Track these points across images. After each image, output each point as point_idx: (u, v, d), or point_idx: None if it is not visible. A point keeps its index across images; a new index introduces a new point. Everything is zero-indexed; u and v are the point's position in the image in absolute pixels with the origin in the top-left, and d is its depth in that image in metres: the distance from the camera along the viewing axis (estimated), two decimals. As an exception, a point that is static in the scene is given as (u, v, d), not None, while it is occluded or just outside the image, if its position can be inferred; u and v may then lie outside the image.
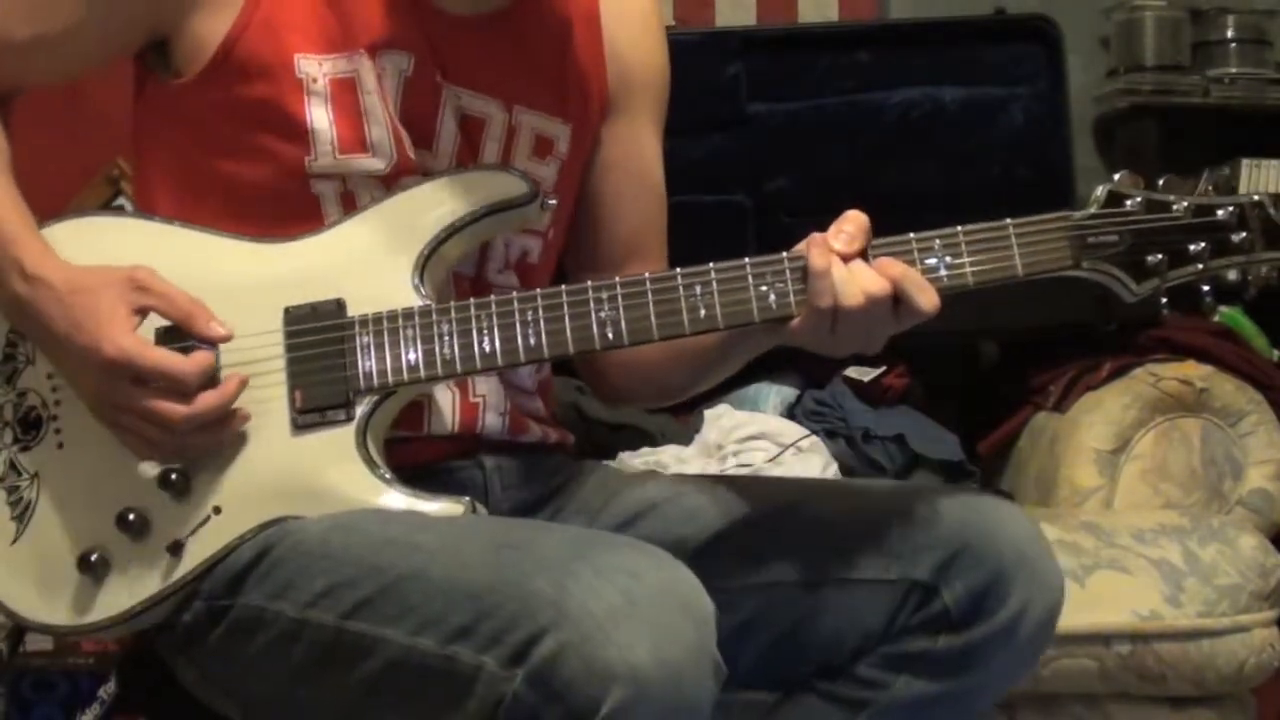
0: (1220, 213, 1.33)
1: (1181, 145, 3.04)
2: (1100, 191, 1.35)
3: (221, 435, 1.34)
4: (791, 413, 2.44)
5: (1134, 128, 3.15)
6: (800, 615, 1.40)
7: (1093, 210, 1.34)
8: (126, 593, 1.35)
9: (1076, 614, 1.91)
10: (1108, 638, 1.94)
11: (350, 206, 1.41)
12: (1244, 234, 1.33)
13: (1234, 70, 3.20)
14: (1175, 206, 1.33)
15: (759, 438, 2.31)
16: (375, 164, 1.41)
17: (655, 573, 1.16)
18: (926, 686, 1.37)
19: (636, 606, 1.12)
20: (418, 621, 1.20)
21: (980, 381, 2.70)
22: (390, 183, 1.41)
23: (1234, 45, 3.23)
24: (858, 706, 1.39)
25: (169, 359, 1.32)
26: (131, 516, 1.34)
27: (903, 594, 1.37)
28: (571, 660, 1.10)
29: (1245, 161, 3.13)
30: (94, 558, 1.35)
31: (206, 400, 1.32)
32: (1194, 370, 2.31)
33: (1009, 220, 1.34)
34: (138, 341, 1.32)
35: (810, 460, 2.26)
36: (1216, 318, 2.86)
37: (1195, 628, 1.95)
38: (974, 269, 1.33)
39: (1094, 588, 1.97)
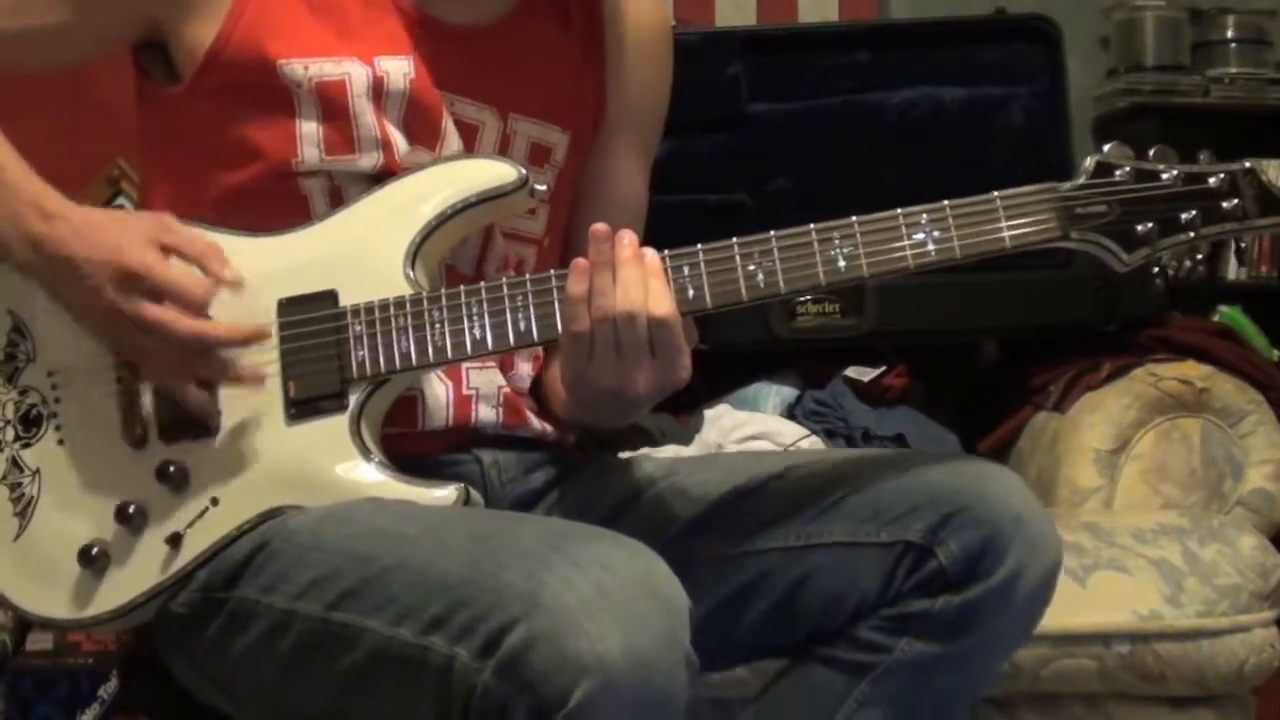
0: (1211, 180, 1.32)
1: (1181, 145, 3.04)
2: (1089, 162, 1.34)
3: (223, 368, 1.35)
4: (791, 413, 2.44)
5: (1134, 128, 3.16)
6: (796, 580, 1.40)
7: (1081, 181, 1.33)
8: (127, 585, 1.36)
9: (1076, 614, 1.91)
10: (1108, 638, 1.94)
11: (338, 203, 1.43)
12: (1236, 200, 1.31)
13: (1234, 70, 3.21)
14: (1164, 175, 1.32)
15: (759, 438, 2.31)
16: (362, 165, 1.42)
17: (628, 564, 1.16)
18: (927, 648, 1.37)
19: (608, 598, 1.12)
20: (397, 612, 1.21)
21: (980, 381, 2.70)
22: (377, 181, 1.42)
23: (1234, 45, 3.23)
24: (861, 671, 1.39)
25: (183, 275, 1.34)
26: (130, 510, 1.35)
27: (897, 556, 1.37)
28: (541, 650, 1.10)
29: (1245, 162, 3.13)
30: (94, 551, 1.36)
31: (219, 325, 1.34)
32: (1194, 370, 2.31)
33: (996, 193, 1.33)
34: (158, 257, 1.34)
35: (810, 460, 2.26)
36: (1216, 318, 2.86)
37: (1195, 628, 1.95)
38: (962, 242, 1.33)
39: (1094, 588, 1.97)
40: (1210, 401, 2.27)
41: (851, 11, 3.20)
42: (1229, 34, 3.23)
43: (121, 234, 1.34)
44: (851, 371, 2.48)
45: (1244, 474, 2.26)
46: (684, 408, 2.39)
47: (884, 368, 2.48)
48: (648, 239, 1.35)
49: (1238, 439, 2.27)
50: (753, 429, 2.33)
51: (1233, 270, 3.27)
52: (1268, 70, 3.24)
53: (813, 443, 2.31)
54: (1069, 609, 1.91)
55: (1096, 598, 1.95)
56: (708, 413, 2.40)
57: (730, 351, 2.34)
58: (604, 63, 1.56)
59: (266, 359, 1.37)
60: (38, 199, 1.36)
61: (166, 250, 1.35)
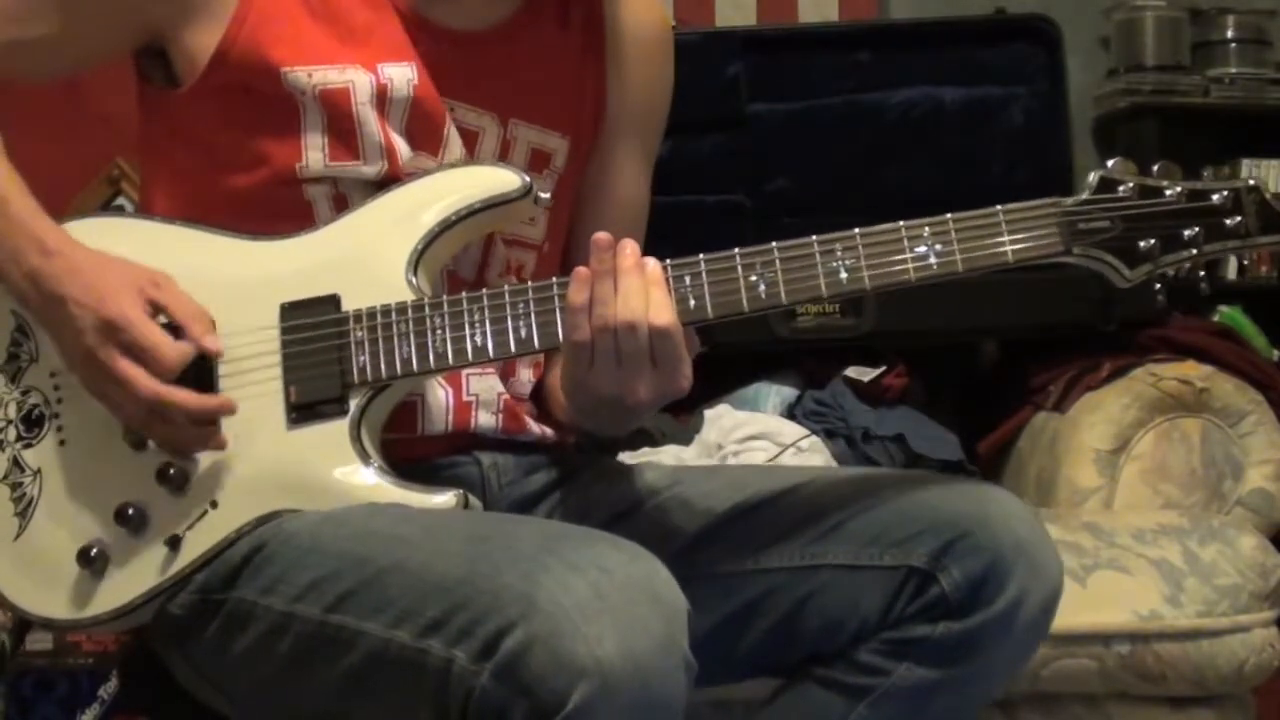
0: (1215, 197, 1.32)
1: (1181, 145, 3.05)
2: (1093, 177, 1.34)
3: (194, 438, 1.35)
4: (791, 413, 2.44)
5: (1134, 128, 3.16)
6: (798, 601, 1.40)
7: (1084, 196, 1.33)
8: (125, 586, 1.36)
9: (1076, 614, 1.91)
10: (1108, 638, 1.94)
11: (342, 208, 1.43)
12: (1239, 218, 1.32)
13: (1234, 70, 3.21)
14: (1168, 191, 1.32)
15: (759, 438, 2.31)
16: (366, 171, 1.42)
17: (627, 567, 1.16)
18: (927, 674, 1.37)
19: (606, 600, 1.12)
20: (395, 614, 1.21)
21: (980, 381, 2.70)
22: (381, 187, 1.43)
23: (1234, 45, 3.24)
24: (859, 694, 1.39)
25: (156, 335, 1.33)
26: (130, 511, 1.36)
27: (900, 581, 1.37)
28: (539, 653, 1.10)
29: (1245, 161, 3.14)
30: (93, 552, 1.36)
31: (180, 393, 1.33)
32: (1194, 370, 2.31)
33: (999, 207, 1.33)
34: (139, 314, 1.33)
35: (810, 460, 2.27)
36: (1216, 318, 2.86)
37: (1195, 628, 1.95)
38: (964, 256, 1.32)
39: (1094, 588, 1.96)
40: (1210, 401, 2.27)
41: (851, 11, 3.20)
42: (1229, 34, 3.23)
43: (113, 281, 1.34)
44: (851, 371, 2.48)
45: (1244, 474, 2.26)
46: (684, 408, 2.38)
47: (884, 368, 2.48)
48: (647, 239, 1.35)
49: (1238, 439, 2.27)
50: (753, 429, 2.33)
51: (1233, 270, 3.27)
52: (1268, 70, 3.24)
53: (813, 443, 2.31)
54: (1069, 609, 1.89)
55: (1096, 598, 1.95)
56: (708, 413, 2.40)
57: (730, 351, 2.34)
58: (604, 66, 1.56)
59: (269, 363, 1.37)
60: (39, 235, 1.36)
61: (156, 306, 1.35)
